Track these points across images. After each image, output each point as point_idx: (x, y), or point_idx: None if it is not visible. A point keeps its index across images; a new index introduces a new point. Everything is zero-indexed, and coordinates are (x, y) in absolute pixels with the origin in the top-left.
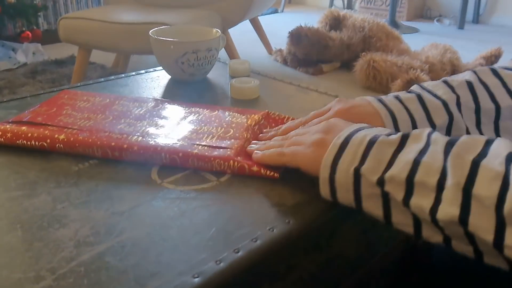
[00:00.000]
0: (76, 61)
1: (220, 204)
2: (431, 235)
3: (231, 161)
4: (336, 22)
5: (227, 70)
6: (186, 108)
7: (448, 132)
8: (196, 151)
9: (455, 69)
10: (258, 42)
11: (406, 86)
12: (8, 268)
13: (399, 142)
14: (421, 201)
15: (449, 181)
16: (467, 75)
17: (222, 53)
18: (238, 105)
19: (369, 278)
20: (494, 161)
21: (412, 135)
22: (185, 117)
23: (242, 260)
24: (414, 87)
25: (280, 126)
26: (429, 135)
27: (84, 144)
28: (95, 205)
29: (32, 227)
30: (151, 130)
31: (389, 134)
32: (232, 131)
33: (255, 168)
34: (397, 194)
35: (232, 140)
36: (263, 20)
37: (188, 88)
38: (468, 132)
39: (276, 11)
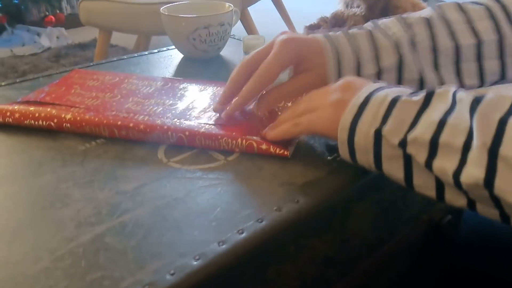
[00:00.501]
0: (97, 43)
1: (227, 184)
2: (454, 199)
3: (239, 139)
4: None
5: (241, 47)
6: (196, 86)
7: (398, 74)
8: (203, 130)
9: None
10: (280, 21)
11: None
12: (7, 248)
13: (423, 101)
14: (445, 163)
15: (475, 142)
16: (428, 11)
17: (242, 33)
18: None
19: (388, 260)
20: None
21: (437, 94)
22: (195, 95)
23: (246, 241)
24: (368, 24)
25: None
26: (454, 94)
27: (90, 123)
28: (99, 185)
29: (34, 207)
30: (159, 109)
31: (411, 93)
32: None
33: (264, 146)
34: (420, 156)
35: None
36: None
37: (201, 66)
38: (423, 76)
39: None
